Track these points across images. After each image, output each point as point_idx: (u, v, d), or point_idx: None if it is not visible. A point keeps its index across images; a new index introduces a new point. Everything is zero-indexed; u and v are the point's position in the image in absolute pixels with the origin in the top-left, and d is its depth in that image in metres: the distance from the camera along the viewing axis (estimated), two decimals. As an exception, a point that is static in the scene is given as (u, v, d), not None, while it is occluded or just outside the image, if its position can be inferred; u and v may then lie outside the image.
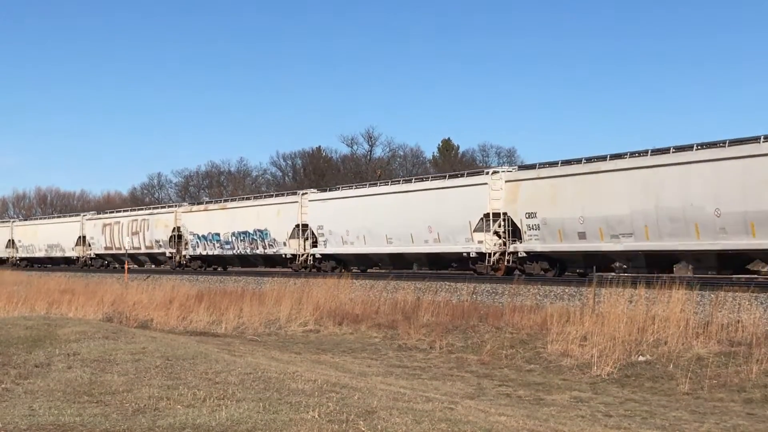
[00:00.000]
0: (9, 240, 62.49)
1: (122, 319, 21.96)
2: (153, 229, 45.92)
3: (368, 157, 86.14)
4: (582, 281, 22.40)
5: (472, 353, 16.14)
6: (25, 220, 68.18)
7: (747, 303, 16.02)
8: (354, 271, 33.48)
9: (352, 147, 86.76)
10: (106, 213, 54.88)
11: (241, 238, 39.70)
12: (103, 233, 50.96)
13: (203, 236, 42.24)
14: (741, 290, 16.89)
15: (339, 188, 38.04)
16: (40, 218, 68.16)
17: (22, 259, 60.54)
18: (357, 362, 15.30)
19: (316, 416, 7.40)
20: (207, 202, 46.68)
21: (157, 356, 11.07)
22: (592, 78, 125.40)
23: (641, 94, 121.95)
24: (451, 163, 77.56)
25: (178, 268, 42.96)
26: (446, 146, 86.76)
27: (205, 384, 9.16)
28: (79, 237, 54.00)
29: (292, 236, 36.45)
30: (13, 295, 26.61)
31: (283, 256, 37.20)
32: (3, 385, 9.37)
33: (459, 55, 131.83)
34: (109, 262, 52.03)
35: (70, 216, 61.01)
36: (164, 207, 49.35)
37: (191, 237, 43.00)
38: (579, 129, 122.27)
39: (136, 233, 47.43)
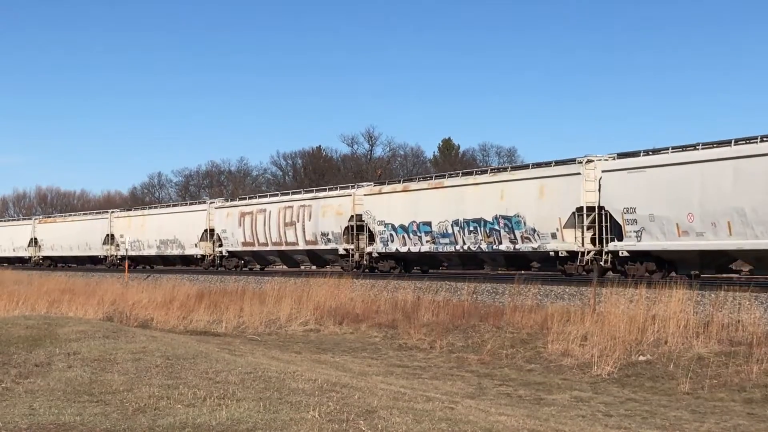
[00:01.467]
0: (107, 235, 50.66)
1: (122, 318, 21.96)
2: (318, 218, 34.42)
3: (368, 157, 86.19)
4: (582, 281, 22.38)
5: (472, 353, 16.14)
6: (129, 210, 54.88)
7: (747, 303, 16.02)
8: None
9: (352, 146, 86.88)
10: (245, 199, 42.44)
11: (471, 227, 27.89)
12: (240, 224, 39.30)
13: (400, 227, 30.56)
14: (741, 290, 16.89)
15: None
16: (151, 207, 55.54)
17: (124, 258, 47.52)
18: (357, 362, 15.30)
19: (317, 416, 7.40)
20: (405, 180, 34.11)
21: (158, 355, 11.07)
22: (592, 78, 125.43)
23: (641, 94, 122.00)
24: (452, 162, 77.58)
25: (357, 270, 32.05)
26: (446, 146, 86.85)
27: (205, 383, 9.16)
28: (205, 230, 42.12)
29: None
30: (13, 295, 26.60)
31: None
32: (3, 385, 9.37)
33: (459, 55, 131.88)
34: (247, 262, 40.74)
35: (192, 204, 48.18)
36: (335, 189, 36.27)
37: (380, 228, 31.43)
38: (579, 129, 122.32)
39: (291, 224, 35.71)
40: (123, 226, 49.39)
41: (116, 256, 49.18)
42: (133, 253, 47.95)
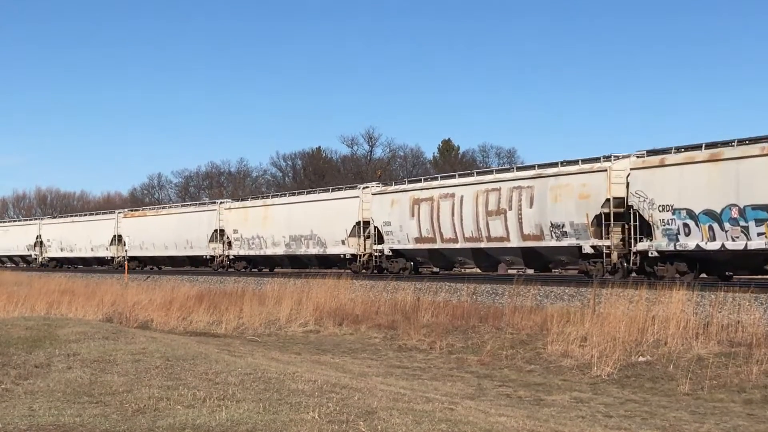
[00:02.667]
0: (215, 231, 40.70)
1: (122, 319, 21.95)
2: (547, 204, 24.95)
3: (368, 158, 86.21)
4: (582, 281, 22.34)
5: (472, 354, 16.14)
6: (243, 200, 44.90)
7: (747, 304, 16.02)
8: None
9: (352, 147, 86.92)
10: (419, 181, 32.52)
11: None
12: (413, 215, 29.88)
13: (700, 213, 20.89)
14: (741, 291, 16.89)
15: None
16: (277, 195, 43.12)
17: (237, 259, 40.06)
18: (357, 363, 15.30)
19: (316, 417, 7.40)
20: (688, 149, 21.97)
21: (157, 357, 11.07)
22: (592, 78, 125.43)
23: (641, 94, 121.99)
24: (452, 163, 77.60)
25: (609, 276, 22.99)
26: (446, 147, 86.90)
27: (205, 384, 9.16)
28: (357, 223, 32.95)
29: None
30: (13, 296, 26.60)
31: None
32: (3, 386, 9.36)
33: (459, 55, 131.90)
34: (421, 264, 31.48)
35: (339, 190, 37.31)
36: (566, 164, 25.45)
37: (662, 215, 21.77)
38: (579, 129, 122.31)
39: (495, 213, 26.56)
40: (237, 220, 40.00)
41: (227, 256, 40.39)
42: (252, 253, 39.13)
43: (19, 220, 70.04)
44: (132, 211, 53.87)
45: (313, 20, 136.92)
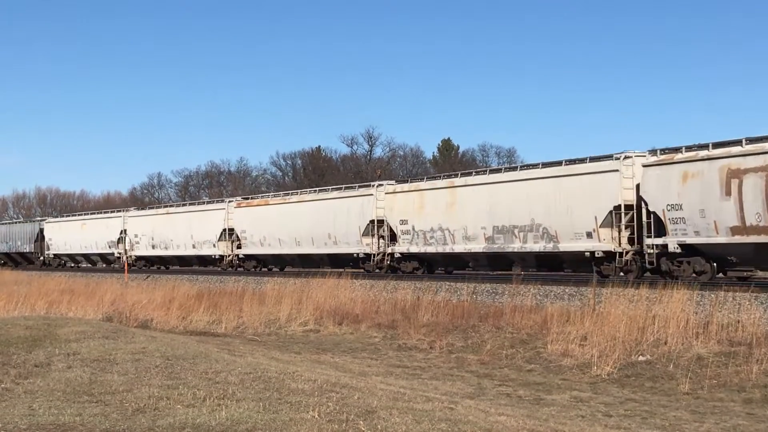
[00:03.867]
0: (369, 222, 31.19)
1: (122, 318, 21.95)
2: None
3: (368, 157, 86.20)
4: (582, 281, 22.35)
5: (472, 353, 16.14)
6: (434, 178, 32.13)
7: (747, 303, 16.01)
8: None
9: (352, 147, 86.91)
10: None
11: None
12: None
13: None
14: (741, 290, 16.89)
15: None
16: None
17: (401, 257, 30.13)
18: (357, 362, 15.30)
19: (316, 416, 7.40)
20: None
21: (157, 356, 11.06)
22: (592, 78, 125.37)
23: (641, 94, 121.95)
24: (451, 163, 77.60)
25: None
26: (446, 146, 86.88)
27: (205, 384, 9.16)
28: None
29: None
30: (13, 295, 26.59)
31: None
32: (3, 385, 9.36)
33: (459, 55, 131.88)
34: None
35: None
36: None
37: None
38: (579, 129, 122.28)
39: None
40: (407, 208, 29.90)
41: (389, 253, 30.80)
42: (431, 250, 28.85)
43: (100, 213, 54.30)
44: (248, 198, 43.04)
45: (313, 20, 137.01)
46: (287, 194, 39.73)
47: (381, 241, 31.06)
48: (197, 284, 32.09)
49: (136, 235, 46.95)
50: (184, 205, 50.49)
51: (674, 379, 12.84)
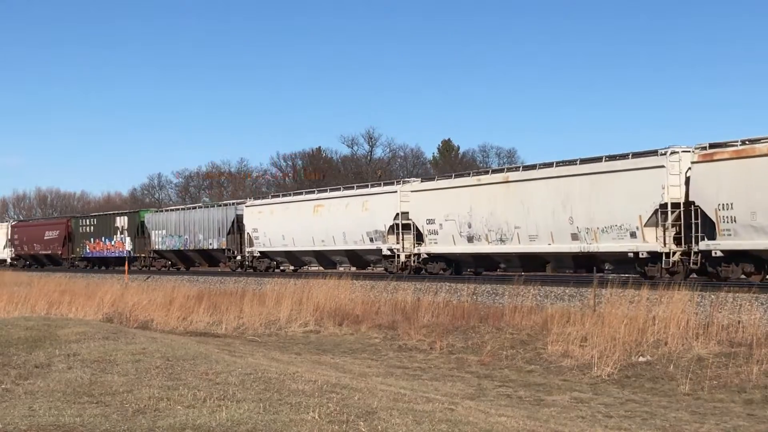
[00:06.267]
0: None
1: (122, 319, 21.94)
2: None
3: (368, 158, 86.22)
4: (582, 282, 22.34)
5: (472, 354, 16.14)
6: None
7: (747, 304, 16.02)
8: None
9: (352, 147, 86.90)
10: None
11: None
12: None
13: None
14: (741, 291, 16.89)
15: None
16: None
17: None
18: (357, 363, 15.31)
19: (317, 417, 7.40)
20: None
21: (158, 357, 11.07)
22: (592, 78, 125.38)
23: (641, 94, 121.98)
24: (451, 163, 77.62)
25: None
26: (446, 147, 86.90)
27: (205, 384, 9.16)
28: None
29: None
30: (13, 296, 26.60)
31: None
32: (3, 386, 9.36)
33: (459, 56, 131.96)
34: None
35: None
36: None
37: None
38: (579, 129, 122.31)
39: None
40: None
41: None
42: None
43: (352, 189, 34.22)
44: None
45: (313, 20, 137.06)
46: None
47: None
48: (197, 285, 32.10)
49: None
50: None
51: (674, 380, 12.85)
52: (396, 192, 30.34)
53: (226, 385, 9.16)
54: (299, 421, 7.26)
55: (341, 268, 34.72)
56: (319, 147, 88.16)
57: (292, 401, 8.18)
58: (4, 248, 62.34)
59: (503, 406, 10.71)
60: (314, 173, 79.18)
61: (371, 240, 30.67)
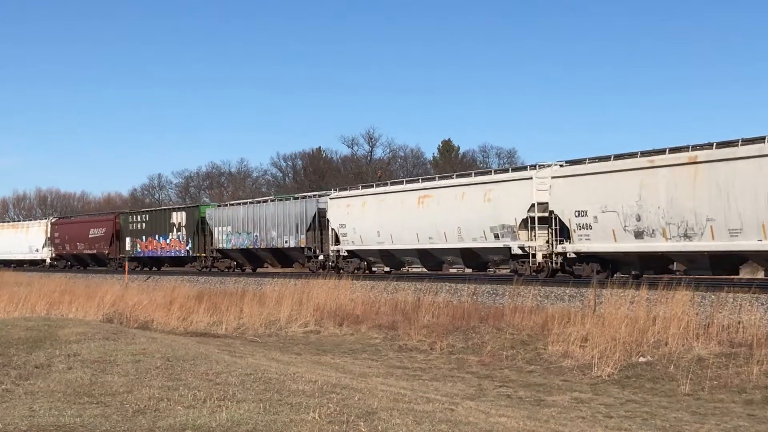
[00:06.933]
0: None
1: (122, 319, 21.95)
2: None
3: (369, 158, 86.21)
4: (582, 282, 22.31)
5: (472, 354, 16.14)
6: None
7: (748, 304, 16.02)
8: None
9: (352, 148, 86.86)
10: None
11: None
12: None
13: None
14: (742, 291, 16.89)
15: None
16: None
17: None
18: (357, 363, 15.30)
19: (317, 417, 7.40)
20: None
21: (158, 357, 11.07)
22: (592, 78, 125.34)
23: (641, 94, 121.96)
24: (452, 164, 77.62)
25: None
26: (447, 147, 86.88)
27: (205, 385, 9.16)
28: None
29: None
30: (13, 296, 26.61)
31: None
32: (3, 386, 9.37)
33: (459, 56, 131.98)
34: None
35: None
36: None
37: None
38: (579, 129, 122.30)
39: None
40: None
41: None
42: None
43: (466, 178, 28.99)
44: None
45: (313, 20, 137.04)
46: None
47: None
48: (197, 285, 32.10)
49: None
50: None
51: (675, 380, 12.85)
52: (530, 179, 25.12)
53: (227, 385, 9.16)
54: (299, 421, 7.26)
55: (452, 270, 30.15)
56: (319, 147, 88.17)
57: (292, 401, 8.18)
58: (44, 247, 57.05)
59: (503, 406, 10.70)
60: (314, 173, 79.19)
61: (496, 236, 25.64)
